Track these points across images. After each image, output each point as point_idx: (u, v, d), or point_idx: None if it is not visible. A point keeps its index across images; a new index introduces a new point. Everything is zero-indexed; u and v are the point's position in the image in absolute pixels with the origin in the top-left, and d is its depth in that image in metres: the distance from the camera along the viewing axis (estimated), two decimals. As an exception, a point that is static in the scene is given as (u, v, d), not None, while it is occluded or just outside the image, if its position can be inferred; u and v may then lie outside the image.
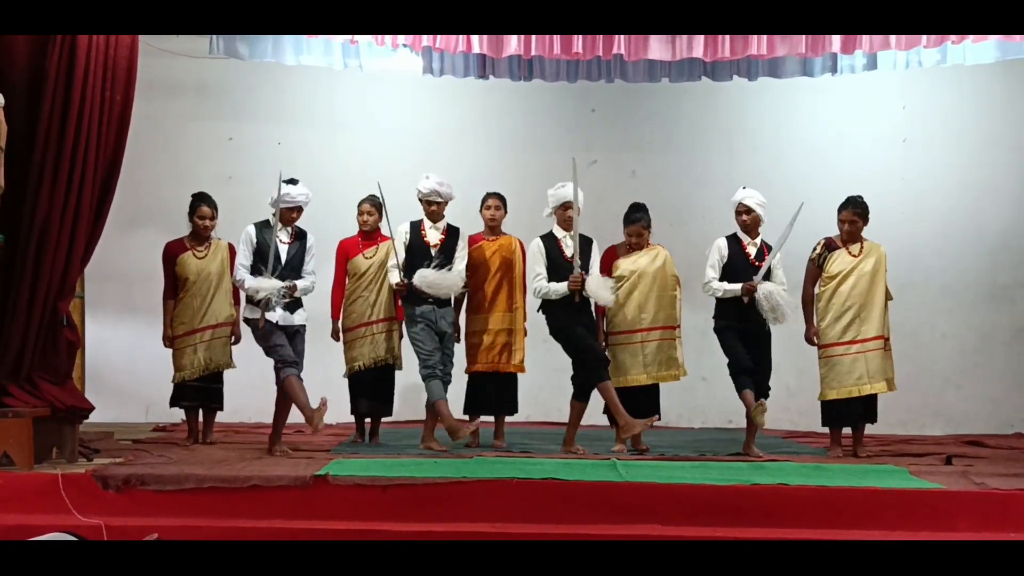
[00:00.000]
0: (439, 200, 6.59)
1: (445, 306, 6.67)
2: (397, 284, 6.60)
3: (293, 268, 6.47)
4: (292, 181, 6.45)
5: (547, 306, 6.63)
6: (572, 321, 6.52)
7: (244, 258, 6.46)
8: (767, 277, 6.57)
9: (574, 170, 6.42)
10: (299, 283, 6.45)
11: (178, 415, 8.21)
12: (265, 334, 6.42)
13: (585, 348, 6.51)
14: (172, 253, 7.17)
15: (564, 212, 6.56)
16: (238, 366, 7.30)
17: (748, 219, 6.67)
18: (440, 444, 6.54)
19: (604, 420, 7.07)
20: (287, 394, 6.39)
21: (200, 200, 7.10)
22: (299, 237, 6.56)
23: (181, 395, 7.23)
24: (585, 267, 6.53)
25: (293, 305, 6.49)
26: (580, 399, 6.64)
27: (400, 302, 6.81)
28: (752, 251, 6.67)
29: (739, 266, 6.62)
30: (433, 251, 6.59)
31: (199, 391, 7.17)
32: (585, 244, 6.60)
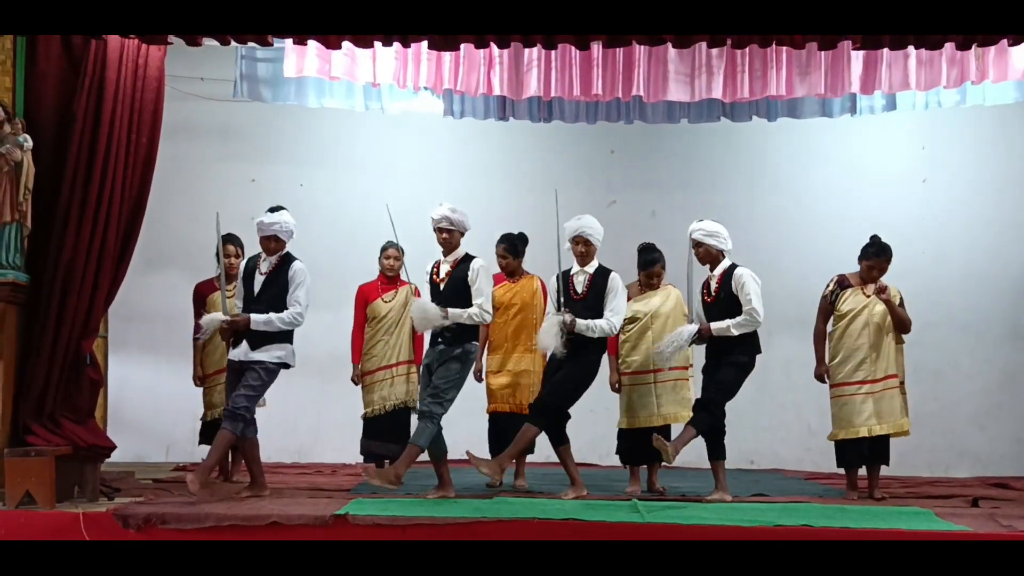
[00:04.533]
0: (449, 228, 6.11)
1: (450, 344, 6.04)
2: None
3: (266, 300, 6.07)
4: (275, 209, 6.18)
5: None
6: (554, 357, 6.22)
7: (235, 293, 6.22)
8: (734, 305, 6.25)
9: (556, 202, 6.19)
10: (255, 316, 6.01)
11: (198, 454, 8.23)
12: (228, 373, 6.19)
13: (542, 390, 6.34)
14: (202, 293, 7.27)
15: (576, 247, 6.28)
16: (266, 404, 7.28)
17: (699, 252, 6.35)
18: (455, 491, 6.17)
19: (616, 460, 7.03)
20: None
21: (226, 240, 7.18)
22: (282, 267, 6.13)
23: (210, 433, 7.25)
24: (601, 301, 6.20)
25: (256, 339, 6.04)
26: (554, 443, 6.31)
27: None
28: (712, 284, 6.36)
29: (702, 303, 6.43)
30: (441, 285, 6.13)
31: None
32: (600, 277, 6.26)
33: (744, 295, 6.23)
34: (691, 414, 6.77)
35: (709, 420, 6.24)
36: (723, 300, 6.30)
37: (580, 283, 6.28)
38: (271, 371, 6.10)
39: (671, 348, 6.28)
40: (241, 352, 6.09)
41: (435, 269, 6.24)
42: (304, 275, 6.14)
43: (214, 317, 6.20)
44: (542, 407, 6.21)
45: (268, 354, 6.07)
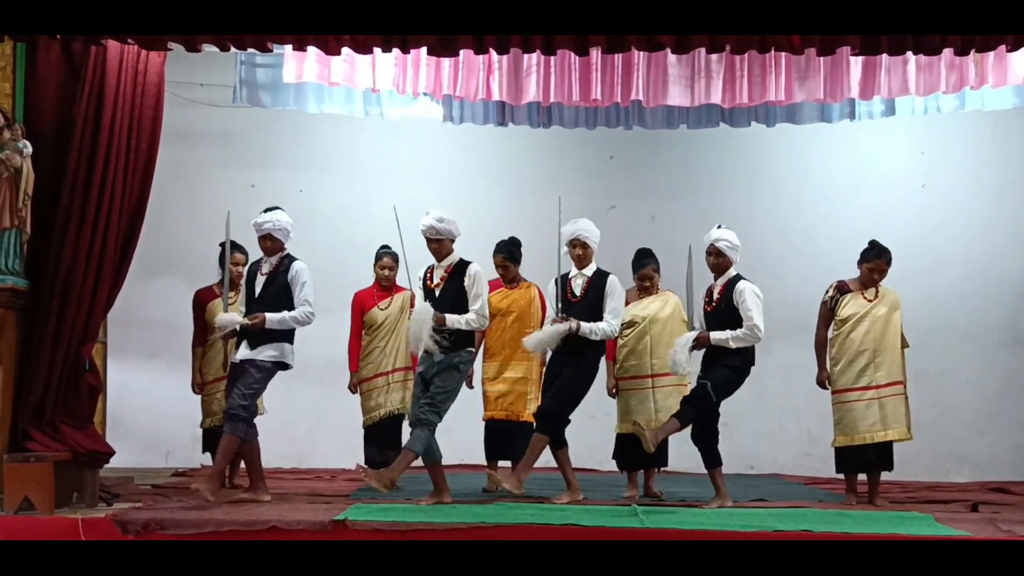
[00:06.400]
0: (437, 237, 6.06)
1: (447, 351, 5.98)
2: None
3: (267, 301, 6.08)
4: (269, 210, 6.19)
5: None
6: (553, 362, 6.32)
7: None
8: (734, 316, 6.20)
9: (559, 208, 6.25)
10: (270, 315, 6.01)
11: (197, 460, 8.23)
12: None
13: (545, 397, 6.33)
14: (202, 300, 7.23)
15: (573, 250, 6.29)
16: (266, 412, 7.27)
17: (715, 262, 6.30)
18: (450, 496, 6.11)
19: (614, 465, 7.02)
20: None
21: (233, 248, 7.17)
22: (281, 267, 6.15)
23: (211, 441, 7.24)
24: (598, 303, 6.22)
25: (255, 339, 6.06)
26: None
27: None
28: (714, 293, 6.29)
29: (703, 310, 6.35)
30: (436, 291, 6.09)
31: None
32: (598, 279, 6.27)
33: (745, 310, 6.15)
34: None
35: (694, 414, 6.16)
36: (723, 310, 6.23)
37: (578, 286, 6.31)
38: (267, 370, 6.10)
39: (682, 355, 6.13)
40: (241, 353, 6.11)
41: (428, 275, 6.21)
42: (306, 273, 6.15)
43: (232, 318, 6.11)
44: (547, 415, 6.23)
45: (263, 353, 6.07)
